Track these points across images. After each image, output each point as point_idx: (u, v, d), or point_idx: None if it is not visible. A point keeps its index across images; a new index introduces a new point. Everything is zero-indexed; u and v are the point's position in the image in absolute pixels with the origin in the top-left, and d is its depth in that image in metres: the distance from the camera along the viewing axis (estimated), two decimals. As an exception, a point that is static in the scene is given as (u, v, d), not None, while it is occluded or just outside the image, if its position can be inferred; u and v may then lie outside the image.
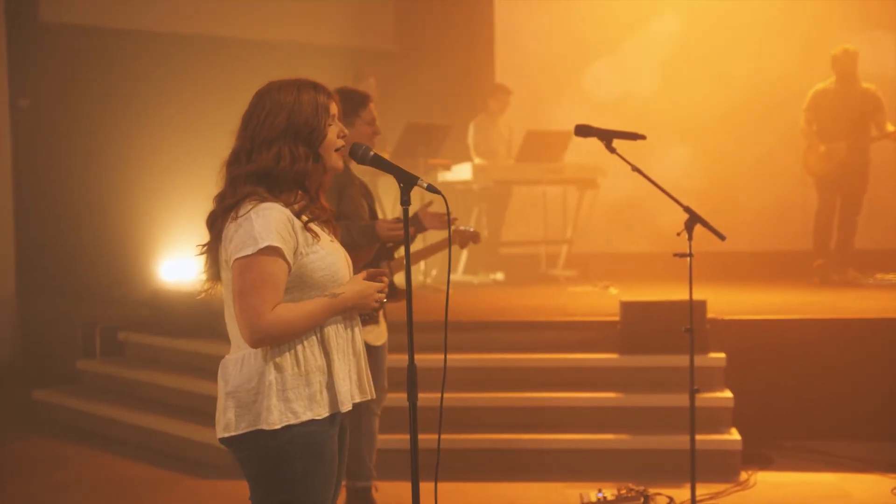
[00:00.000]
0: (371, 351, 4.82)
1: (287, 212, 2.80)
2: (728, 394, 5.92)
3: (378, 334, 4.79)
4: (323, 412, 2.82)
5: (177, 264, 9.08)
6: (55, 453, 6.72)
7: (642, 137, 4.56)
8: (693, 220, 4.45)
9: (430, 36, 11.20)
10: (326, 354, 2.84)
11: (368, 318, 4.65)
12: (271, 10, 10.50)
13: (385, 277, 2.96)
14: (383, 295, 2.93)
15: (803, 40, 10.33)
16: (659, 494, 5.24)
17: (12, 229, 9.48)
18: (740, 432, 5.77)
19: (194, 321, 7.38)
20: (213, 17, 10.25)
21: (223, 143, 2.92)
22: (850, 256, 8.79)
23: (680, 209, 4.47)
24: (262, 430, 2.76)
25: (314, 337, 2.83)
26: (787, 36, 10.46)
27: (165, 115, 9.54)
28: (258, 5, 10.46)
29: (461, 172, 9.40)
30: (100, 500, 5.75)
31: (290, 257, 2.76)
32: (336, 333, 2.87)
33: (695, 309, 4.49)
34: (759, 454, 5.95)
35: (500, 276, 9.79)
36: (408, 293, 2.98)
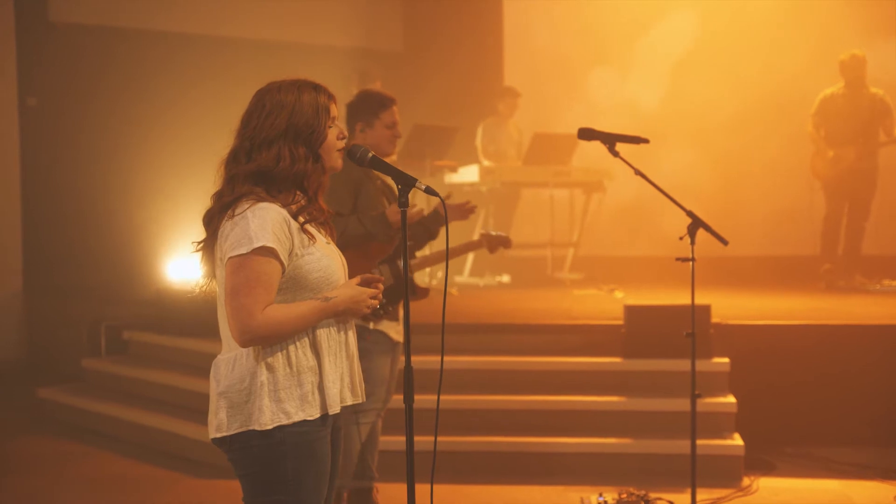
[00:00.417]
0: (396, 347, 4.83)
1: (284, 212, 2.80)
2: (731, 399, 5.90)
3: (399, 331, 4.77)
4: (315, 413, 2.81)
5: (182, 264, 9.08)
6: (58, 451, 6.73)
7: (645, 141, 4.57)
8: (696, 224, 4.43)
9: (439, 37, 11.19)
10: (318, 356, 2.84)
11: (385, 315, 4.63)
12: (279, 10, 10.51)
13: (380, 284, 2.95)
14: (377, 301, 2.92)
15: (812, 45, 10.30)
16: (660, 499, 5.21)
17: (20, 228, 9.51)
18: (743, 437, 5.75)
19: (199, 321, 7.36)
20: (221, 18, 10.27)
21: (229, 143, 2.92)
22: (858, 262, 8.76)
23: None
24: (253, 431, 2.76)
25: (306, 338, 2.82)
26: (796, 40, 10.43)
27: (173, 114, 9.55)
28: (266, 6, 10.48)
29: (468, 174, 9.39)
30: (101, 498, 5.76)
31: (284, 258, 2.76)
32: (328, 336, 2.86)
33: (699, 313, 4.48)
34: (761, 460, 5.93)
35: (506, 278, 9.79)
36: (405, 295, 2.97)
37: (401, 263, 4.71)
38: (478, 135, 9.88)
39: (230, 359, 2.82)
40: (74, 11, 9.63)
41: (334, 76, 9.70)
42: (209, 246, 2.86)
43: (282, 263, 2.76)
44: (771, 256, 9.99)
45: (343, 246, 4.53)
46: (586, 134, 4.56)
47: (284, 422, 2.76)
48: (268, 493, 2.80)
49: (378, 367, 4.69)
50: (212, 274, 2.89)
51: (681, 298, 5.87)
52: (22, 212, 9.52)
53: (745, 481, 5.62)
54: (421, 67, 11.07)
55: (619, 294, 8.28)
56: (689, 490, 4.67)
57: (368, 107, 4.75)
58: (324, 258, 2.86)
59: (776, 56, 10.48)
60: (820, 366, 6.28)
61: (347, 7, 11.21)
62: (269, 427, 2.75)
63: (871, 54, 8.71)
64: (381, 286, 2.95)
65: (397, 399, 4.83)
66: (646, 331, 6.16)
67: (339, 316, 2.88)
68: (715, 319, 6.18)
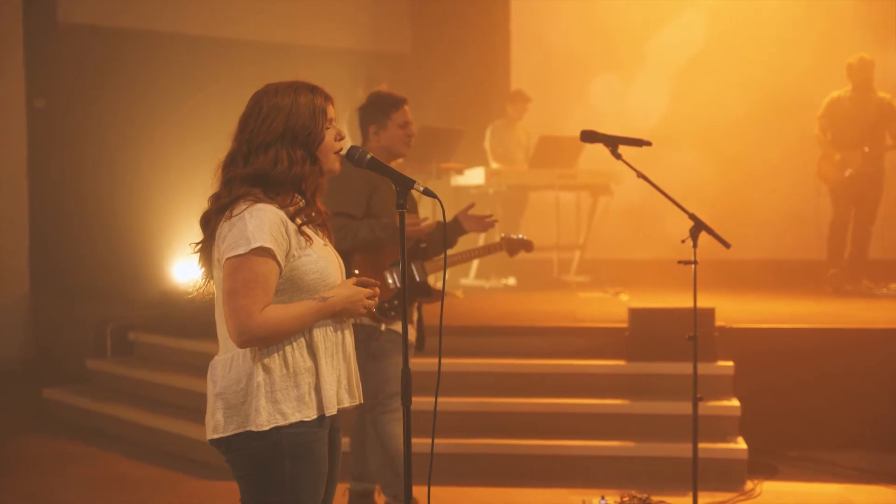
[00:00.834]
0: (409, 348, 4.81)
1: (281, 213, 2.80)
2: (735, 402, 5.88)
3: (411, 333, 4.76)
4: (312, 414, 2.81)
5: (188, 265, 9.10)
6: (63, 451, 6.75)
7: (648, 144, 4.57)
8: (698, 227, 4.42)
9: (446, 39, 11.20)
10: (314, 357, 2.84)
11: (396, 316, 4.61)
12: (286, 13, 10.53)
13: (377, 287, 2.95)
14: (373, 302, 2.92)
15: (819, 48, 10.27)
16: (662, 502, 5.21)
17: (27, 229, 9.54)
18: (747, 441, 5.74)
19: (204, 322, 7.29)
20: (229, 20, 10.30)
21: (227, 146, 2.92)
22: (864, 266, 8.73)
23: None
24: (250, 432, 2.76)
25: (302, 339, 2.82)
26: (803, 43, 10.41)
27: (180, 115, 9.57)
28: (273, 8, 10.50)
29: (474, 177, 9.38)
30: (105, 498, 5.77)
31: (281, 259, 2.76)
32: (325, 336, 2.86)
33: (703, 317, 4.46)
34: (765, 463, 5.92)
35: (512, 280, 9.77)
36: (403, 296, 2.97)
37: (412, 266, 4.71)
38: (486, 137, 9.88)
39: (227, 360, 2.83)
40: (82, 12, 9.66)
41: (342, 78, 9.74)
42: (207, 247, 2.87)
43: (279, 264, 2.76)
44: (777, 260, 9.96)
45: (353, 249, 4.56)
46: (589, 136, 4.56)
47: (281, 423, 2.76)
48: (265, 495, 2.80)
49: (396, 366, 4.68)
50: (209, 275, 2.90)
51: (685, 301, 5.83)
52: (29, 213, 9.55)
53: (749, 485, 5.61)
54: (428, 69, 11.08)
55: (624, 297, 8.27)
56: (691, 493, 4.66)
57: (380, 108, 4.74)
58: (321, 260, 2.86)
59: (783, 58, 10.45)
60: (823, 369, 6.26)
61: (355, 9, 11.23)
62: (266, 428, 2.75)
63: (878, 58, 8.68)
64: (377, 288, 2.94)
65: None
66: (650, 334, 6.15)
67: (336, 316, 2.87)
68: (719, 323, 6.17)
